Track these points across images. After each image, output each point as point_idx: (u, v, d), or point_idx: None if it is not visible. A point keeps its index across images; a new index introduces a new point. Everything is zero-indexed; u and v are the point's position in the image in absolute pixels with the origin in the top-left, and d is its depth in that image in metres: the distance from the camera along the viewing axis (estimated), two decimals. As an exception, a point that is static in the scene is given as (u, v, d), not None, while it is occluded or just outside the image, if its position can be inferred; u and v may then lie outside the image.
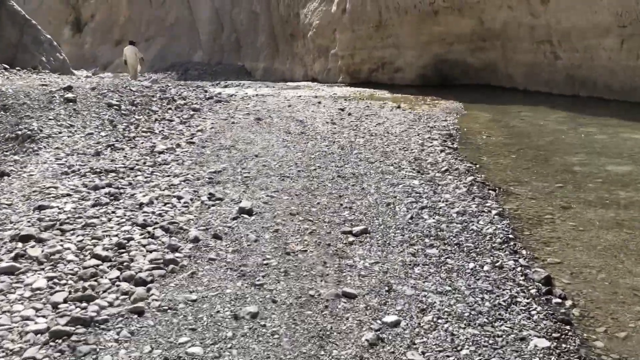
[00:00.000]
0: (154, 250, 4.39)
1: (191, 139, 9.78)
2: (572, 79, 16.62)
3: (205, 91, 18.86)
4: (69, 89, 12.08)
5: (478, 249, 4.57)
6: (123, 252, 4.33)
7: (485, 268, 4.18)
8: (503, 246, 4.67)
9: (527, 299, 3.72)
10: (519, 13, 17.94)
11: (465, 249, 4.57)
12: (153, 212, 5.34)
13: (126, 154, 8.24)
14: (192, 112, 13.25)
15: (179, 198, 5.86)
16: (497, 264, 4.26)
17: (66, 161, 7.47)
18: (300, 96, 19.77)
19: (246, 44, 40.63)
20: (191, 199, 5.87)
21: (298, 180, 6.79)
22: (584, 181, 6.92)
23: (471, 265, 4.23)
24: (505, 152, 9.11)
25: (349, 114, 13.67)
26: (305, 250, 4.48)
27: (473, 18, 20.33)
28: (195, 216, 5.33)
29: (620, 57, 14.04)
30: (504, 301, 3.65)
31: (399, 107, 15.63)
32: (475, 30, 20.79)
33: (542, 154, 8.78)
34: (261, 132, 10.80)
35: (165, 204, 5.66)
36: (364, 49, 26.49)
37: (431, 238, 4.80)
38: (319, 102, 16.69)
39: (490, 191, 6.54)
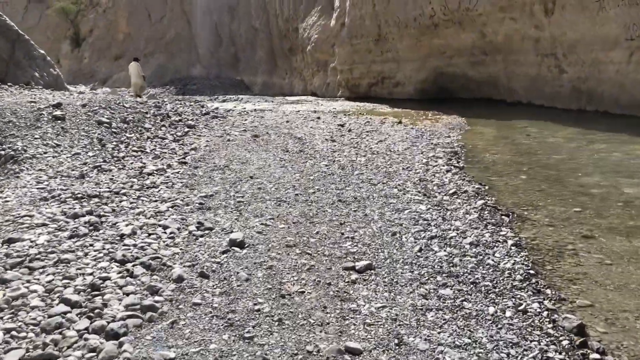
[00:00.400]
0: (132, 293, 3.88)
1: (184, 158, 9.30)
2: (577, 93, 16.21)
3: (202, 106, 18.41)
4: (58, 106, 11.62)
5: (497, 289, 4.06)
6: (97, 295, 3.82)
7: (508, 313, 3.67)
8: (524, 284, 4.15)
9: (560, 353, 3.20)
10: (522, 25, 17.58)
11: (482, 288, 4.06)
12: (135, 245, 4.83)
13: (113, 176, 7.75)
14: (186, 129, 12.78)
15: (165, 228, 5.35)
16: (520, 308, 3.75)
17: (47, 185, 6.96)
18: (299, 111, 19.37)
19: (244, 58, 40.44)
20: (178, 229, 5.36)
21: (296, 205, 6.29)
22: (603, 205, 6.42)
23: (491, 309, 3.72)
24: (514, 171, 8.63)
25: (349, 130, 13.22)
26: (303, 292, 3.97)
27: (474, 31, 19.98)
28: (181, 249, 4.82)
29: (628, 70, 13.62)
30: (534, 357, 3.13)
31: (400, 122, 15.20)
32: (476, 43, 20.44)
33: (554, 173, 8.29)
34: (257, 150, 10.33)
35: (150, 234, 5.15)
36: (363, 63, 26.17)
37: (444, 275, 4.29)
38: (318, 118, 16.27)
39: (503, 217, 6.04)
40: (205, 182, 7.54)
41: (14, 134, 9.73)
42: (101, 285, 3.97)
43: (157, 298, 3.82)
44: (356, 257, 4.69)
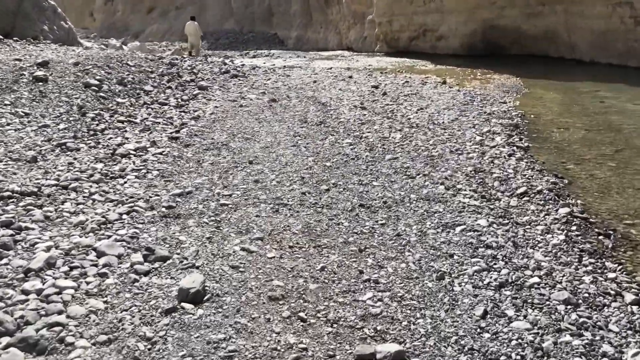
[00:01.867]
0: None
1: (178, 131, 7.57)
2: (658, 49, 13.69)
3: (224, 63, 16.64)
4: (44, 65, 9.97)
5: None
6: None
7: None
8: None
9: None
10: (592, -31, 14.93)
11: None
12: (39, 292, 3.13)
13: (76, 158, 6.05)
14: (196, 91, 11.04)
15: (100, 255, 3.63)
16: None
17: (-20, 174, 5.33)
18: (330, 68, 17.33)
19: (279, 11, 38.19)
20: (119, 257, 3.63)
21: (299, 213, 4.47)
22: None
23: None
24: (598, 156, 6.55)
25: (384, 94, 11.17)
26: None
27: (532, -23, 17.35)
28: (105, 302, 3.09)
29: None
30: None
31: (444, 82, 13.03)
32: (533, -9, 17.84)
33: (655, 159, 6.22)
34: (270, 120, 8.49)
35: (71, 268, 3.44)
36: (403, 15, 23.71)
37: (531, 384, 2.44)
38: (350, 77, 14.22)
39: (600, 237, 4.10)
40: (189, 169, 5.78)
41: (-18, 100, 8.16)
42: None
43: None
44: (379, 327, 2.86)
